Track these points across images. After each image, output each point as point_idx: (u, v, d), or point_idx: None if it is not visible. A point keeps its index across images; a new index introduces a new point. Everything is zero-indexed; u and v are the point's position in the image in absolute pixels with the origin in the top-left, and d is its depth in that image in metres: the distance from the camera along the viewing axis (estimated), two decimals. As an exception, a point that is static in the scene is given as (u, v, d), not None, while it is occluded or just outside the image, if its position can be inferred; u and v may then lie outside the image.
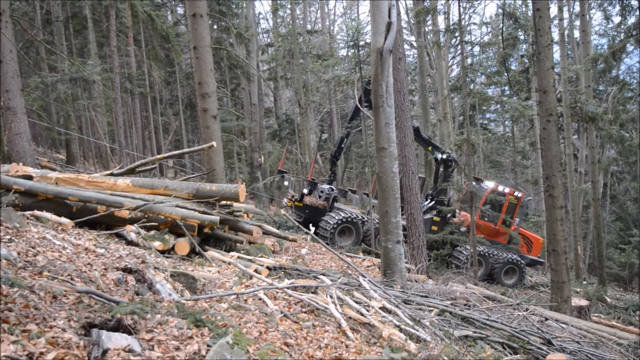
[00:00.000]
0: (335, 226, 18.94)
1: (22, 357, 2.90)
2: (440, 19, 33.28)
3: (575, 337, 9.33)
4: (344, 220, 19.28)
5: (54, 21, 23.40)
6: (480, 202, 20.16)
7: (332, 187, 20.83)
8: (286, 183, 22.23)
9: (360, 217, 19.78)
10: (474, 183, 21.46)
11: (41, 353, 3.05)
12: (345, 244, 18.88)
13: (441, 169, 21.66)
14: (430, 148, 21.94)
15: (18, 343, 3.09)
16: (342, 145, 20.93)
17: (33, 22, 23.47)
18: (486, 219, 20.83)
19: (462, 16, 22.03)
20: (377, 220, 19.38)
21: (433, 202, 21.31)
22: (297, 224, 10.77)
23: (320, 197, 20.65)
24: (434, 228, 20.50)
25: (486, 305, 10.08)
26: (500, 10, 34.03)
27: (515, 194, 21.37)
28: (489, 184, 21.36)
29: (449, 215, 20.86)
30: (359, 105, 18.79)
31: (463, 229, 20.83)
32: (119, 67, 23.35)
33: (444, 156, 21.27)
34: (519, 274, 20.62)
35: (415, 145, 20.79)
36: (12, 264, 4.86)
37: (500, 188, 21.16)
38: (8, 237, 5.81)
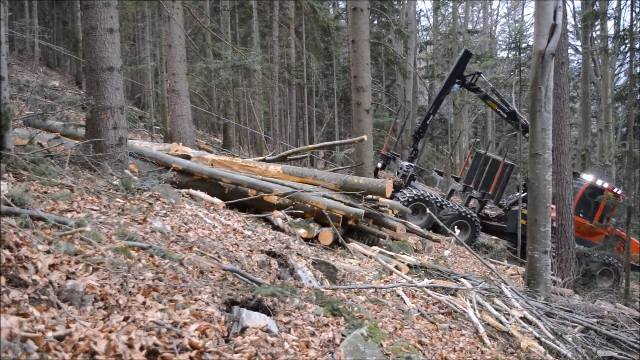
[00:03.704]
0: (406, 203, 17.45)
1: (167, 325, 3.03)
2: (610, 24, 31.59)
3: None
4: (417, 197, 17.98)
5: (221, 10, 24.43)
6: (577, 197, 18.75)
7: (412, 164, 19.75)
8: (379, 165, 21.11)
9: (438, 198, 18.48)
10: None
11: (185, 323, 3.18)
12: (415, 224, 17.39)
13: None
14: (528, 135, 20.41)
15: (165, 311, 3.24)
16: (427, 122, 20.03)
17: (202, 10, 24.59)
18: (580, 215, 19.12)
19: (634, 22, 20.80)
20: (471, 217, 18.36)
21: (525, 193, 19.60)
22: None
23: (398, 173, 19.80)
24: (524, 222, 18.88)
25: (636, 327, 9.47)
26: (678, 17, 31.77)
27: (615, 190, 19.53)
28: (587, 178, 19.59)
29: None
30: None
31: (554, 224, 19.39)
32: (279, 57, 23.98)
33: None
34: (615, 277, 18.89)
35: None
36: (166, 237, 5.14)
37: (599, 183, 19.41)
38: (164, 211, 6.13)
